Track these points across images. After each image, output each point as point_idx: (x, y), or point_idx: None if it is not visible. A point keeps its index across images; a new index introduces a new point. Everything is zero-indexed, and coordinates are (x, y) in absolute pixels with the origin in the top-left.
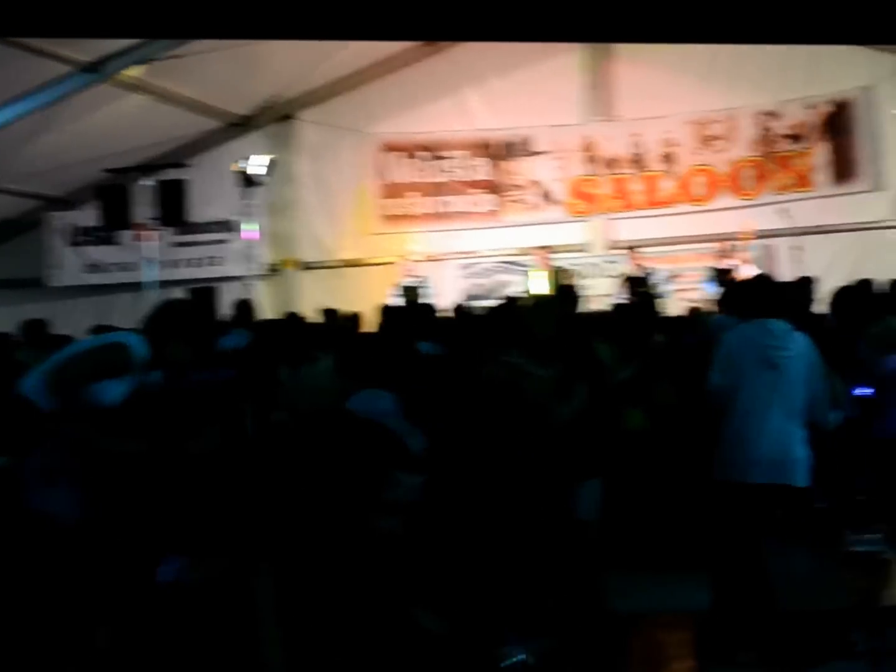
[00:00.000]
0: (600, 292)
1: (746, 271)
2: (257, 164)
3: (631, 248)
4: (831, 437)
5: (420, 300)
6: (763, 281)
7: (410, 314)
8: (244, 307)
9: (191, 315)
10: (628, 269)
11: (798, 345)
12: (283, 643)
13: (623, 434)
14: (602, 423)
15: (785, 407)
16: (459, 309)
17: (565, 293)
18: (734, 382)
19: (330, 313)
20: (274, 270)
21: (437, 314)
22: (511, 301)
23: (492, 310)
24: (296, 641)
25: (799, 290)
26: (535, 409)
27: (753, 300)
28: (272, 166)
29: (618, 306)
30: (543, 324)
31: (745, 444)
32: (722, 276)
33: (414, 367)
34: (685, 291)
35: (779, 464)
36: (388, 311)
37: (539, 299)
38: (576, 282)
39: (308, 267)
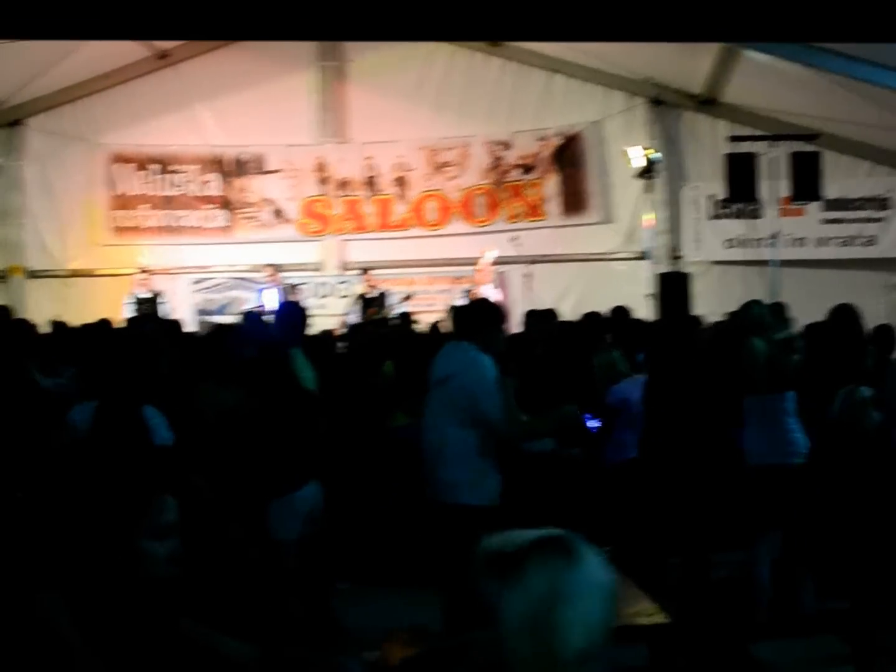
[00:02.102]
0: (332, 312)
1: (488, 294)
2: None
3: (366, 269)
4: (557, 464)
5: (156, 314)
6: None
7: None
8: None
9: None
10: (362, 288)
11: (460, 365)
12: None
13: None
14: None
15: (449, 424)
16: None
17: None
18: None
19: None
20: (0, 278)
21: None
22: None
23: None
24: None
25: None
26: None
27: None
28: None
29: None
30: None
31: (429, 463)
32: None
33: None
34: (419, 313)
35: (446, 482)
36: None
37: None
38: (306, 300)
39: (36, 275)
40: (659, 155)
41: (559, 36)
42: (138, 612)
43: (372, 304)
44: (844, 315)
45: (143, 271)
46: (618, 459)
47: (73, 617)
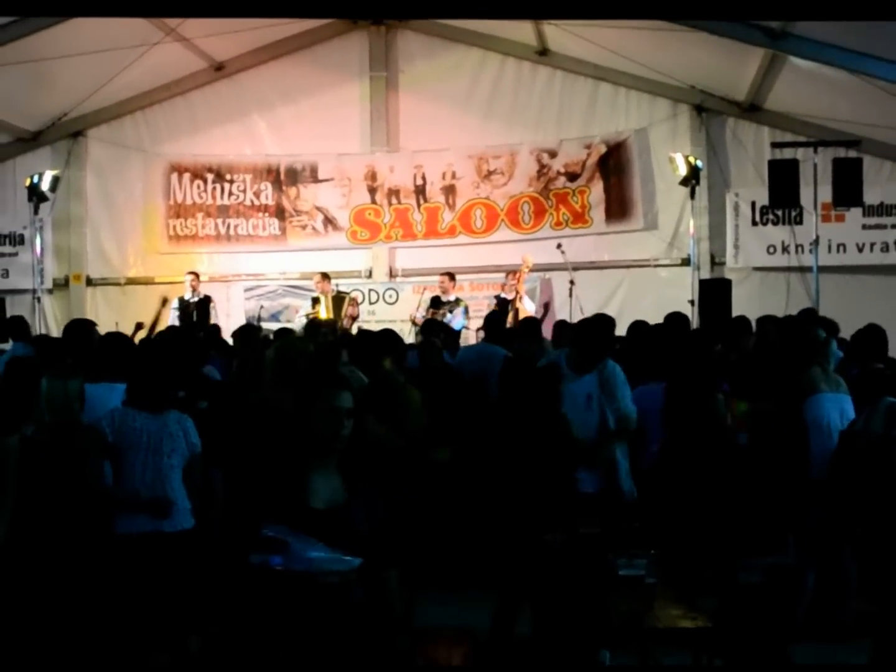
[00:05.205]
0: (382, 318)
1: (524, 302)
2: (46, 180)
3: (449, 274)
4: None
5: (206, 318)
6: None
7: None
8: (18, 322)
9: None
10: (437, 292)
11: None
12: None
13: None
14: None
15: None
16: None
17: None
18: None
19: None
20: (61, 285)
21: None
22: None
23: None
24: None
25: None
26: None
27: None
28: (56, 182)
29: None
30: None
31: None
32: (504, 306)
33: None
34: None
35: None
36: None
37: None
38: (357, 307)
39: (95, 283)
40: (700, 162)
41: (605, 14)
42: None
43: (437, 306)
44: None
45: (191, 273)
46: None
47: None
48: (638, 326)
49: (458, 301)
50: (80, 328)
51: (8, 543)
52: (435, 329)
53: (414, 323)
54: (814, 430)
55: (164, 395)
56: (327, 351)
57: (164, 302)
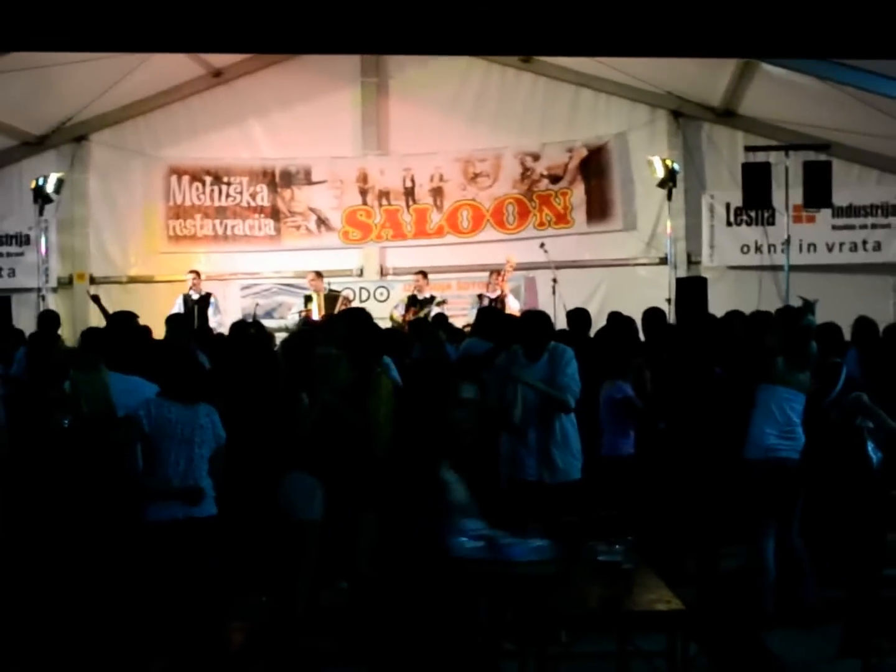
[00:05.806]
0: (373, 315)
1: (509, 301)
2: (51, 182)
3: (424, 272)
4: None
5: (203, 315)
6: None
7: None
8: (50, 317)
9: None
10: (413, 289)
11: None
12: None
13: None
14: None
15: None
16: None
17: None
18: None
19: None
20: (65, 284)
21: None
22: None
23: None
24: None
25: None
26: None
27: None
28: (60, 184)
29: None
30: None
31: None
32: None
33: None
34: (452, 317)
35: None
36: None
37: None
38: (349, 304)
39: (98, 281)
40: (677, 165)
41: (585, 51)
42: None
43: (416, 304)
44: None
45: (192, 272)
46: (613, 454)
47: None
48: (618, 319)
49: (432, 298)
50: (125, 320)
51: (41, 531)
52: (441, 323)
53: (395, 321)
54: (757, 413)
55: (198, 388)
56: (299, 343)
57: (95, 298)
